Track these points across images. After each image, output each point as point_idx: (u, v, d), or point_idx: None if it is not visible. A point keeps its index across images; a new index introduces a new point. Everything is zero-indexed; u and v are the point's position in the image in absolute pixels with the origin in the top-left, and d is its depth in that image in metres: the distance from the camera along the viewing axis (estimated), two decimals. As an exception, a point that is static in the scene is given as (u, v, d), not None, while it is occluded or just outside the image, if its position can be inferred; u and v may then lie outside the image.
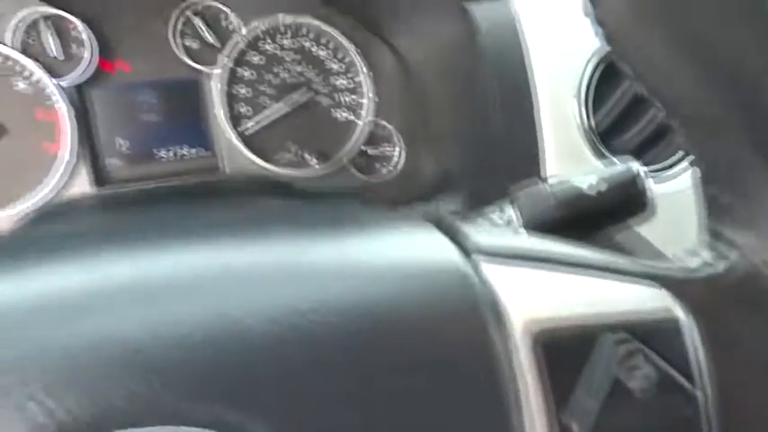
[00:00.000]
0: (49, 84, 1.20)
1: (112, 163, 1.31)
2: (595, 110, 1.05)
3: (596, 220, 0.79)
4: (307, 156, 1.30)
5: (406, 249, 0.51)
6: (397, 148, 1.42)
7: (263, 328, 0.40)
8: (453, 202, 1.19)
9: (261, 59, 1.33)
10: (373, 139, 1.40)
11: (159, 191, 1.29)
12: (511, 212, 0.81)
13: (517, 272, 0.48)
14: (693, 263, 0.50)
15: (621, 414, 0.44)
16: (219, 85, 1.29)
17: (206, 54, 1.29)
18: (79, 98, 1.24)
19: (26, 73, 1.20)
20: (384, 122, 1.41)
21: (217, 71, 1.29)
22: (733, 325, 0.47)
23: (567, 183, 0.82)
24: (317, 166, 1.29)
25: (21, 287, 0.43)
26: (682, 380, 0.44)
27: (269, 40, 1.33)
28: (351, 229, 0.54)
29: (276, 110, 1.33)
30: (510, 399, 0.42)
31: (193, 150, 1.35)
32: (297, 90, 1.33)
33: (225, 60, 1.28)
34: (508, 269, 0.48)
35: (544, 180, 0.85)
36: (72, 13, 1.20)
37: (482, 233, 0.53)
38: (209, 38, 1.27)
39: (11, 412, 0.33)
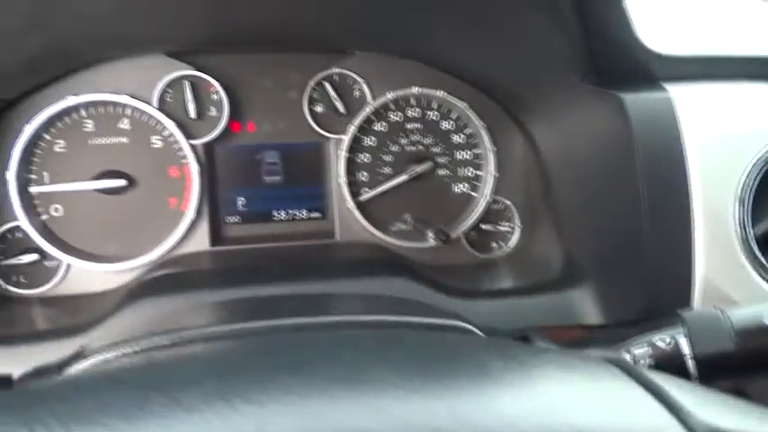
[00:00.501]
0: (183, 142, 1.23)
1: (231, 221, 1.32)
2: (756, 216, 0.97)
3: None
4: (427, 232, 1.26)
5: (622, 420, 0.45)
6: (514, 227, 1.37)
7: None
8: (579, 293, 1.12)
9: (384, 128, 1.32)
10: (489, 215, 1.36)
11: (272, 253, 1.28)
12: (681, 340, 0.74)
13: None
14: None
15: None
16: (342, 151, 1.28)
17: (332, 120, 1.29)
18: (207, 156, 1.27)
19: (164, 131, 1.23)
20: (503, 199, 1.36)
21: (341, 138, 1.29)
22: None
23: (748, 313, 0.75)
24: (433, 241, 1.25)
25: None
26: None
27: (396, 110, 1.32)
28: (545, 383, 0.49)
29: (396, 179, 1.31)
30: None
31: (308, 213, 1.35)
32: (420, 162, 1.31)
33: (351, 128, 1.28)
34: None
35: (717, 307, 0.78)
36: (212, 76, 1.23)
37: (700, 404, 0.47)
38: (339, 106, 1.27)
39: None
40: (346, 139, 1.28)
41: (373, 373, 0.46)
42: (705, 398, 0.50)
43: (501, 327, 0.94)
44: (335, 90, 1.27)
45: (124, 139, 1.23)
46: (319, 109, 1.30)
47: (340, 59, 1.28)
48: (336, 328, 0.66)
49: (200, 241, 1.27)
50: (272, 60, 1.28)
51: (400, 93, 1.28)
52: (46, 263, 1.22)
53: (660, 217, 0.95)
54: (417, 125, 1.33)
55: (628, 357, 0.73)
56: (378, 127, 1.32)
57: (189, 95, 1.22)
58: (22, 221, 1.17)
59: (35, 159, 1.20)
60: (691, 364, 0.72)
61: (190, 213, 1.24)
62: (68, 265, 1.22)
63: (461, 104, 1.29)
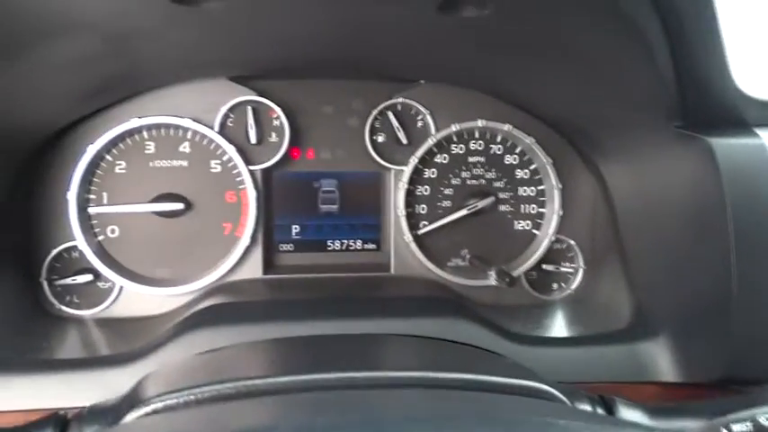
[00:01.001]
0: (242, 168, 1.21)
1: (284, 249, 1.29)
2: None
3: None
4: (489, 271, 1.21)
5: None
6: (577, 269, 1.31)
7: None
8: (651, 346, 1.05)
9: (446, 160, 1.28)
10: (551, 255, 1.30)
11: (325, 283, 1.25)
12: (788, 419, 0.67)
13: None
14: None
15: None
16: (403, 182, 1.25)
17: (393, 150, 1.26)
18: (264, 182, 1.24)
19: (223, 156, 1.22)
20: (567, 239, 1.30)
21: (402, 169, 1.25)
22: None
23: None
24: (495, 282, 1.20)
25: None
26: None
27: (458, 143, 1.28)
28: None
29: (456, 214, 1.26)
30: None
31: (363, 245, 1.31)
32: (482, 197, 1.26)
33: (412, 159, 1.24)
34: None
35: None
36: (274, 101, 1.21)
37: None
38: (401, 136, 1.24)
39: None
40: (407, 170, 1.25)
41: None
42: None
43: (567, 377, 0.89)
44: (398, 120, 1.24)
45: (184, 163, 1.22)
46: (380, 138, 1.27)
47: (404, 89, 1.25)
48: (414, 386, 0.62)
49: (253, 269, 1.24)
50: (335, 87, 1.26)
51: (465, 125, 1.24)
52: (100, 284, 1.21)
53: (752, 274, 0.88)
54: (480, 158, 1.29)
55: (728, 435, 0.66)
56: (439, 159, 1.28)
57: (251, 120, 1.20)
58: (80, 241, 1.17)
59: (95, 180, 1.19)
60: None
61: (244, 240, 1.22)
62: (121, 288, 1.20)
63: (528, 139, 1.25)
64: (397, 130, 1.24)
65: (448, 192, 1.29)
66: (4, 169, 1.07)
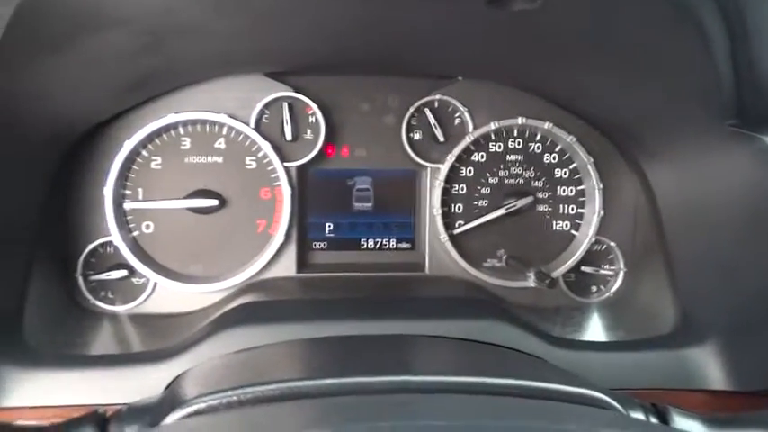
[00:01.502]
0: (278, 164, 1.19)
1: (318, 247, 1.28)
2: None
3: None
4: (528, 272, 1.18)
5: None
6: (618, 271, 1.27)
7: None
8: (698, 352, 1.01)
9: (483, 158, 1.26)
10: (590, 256, 1.26)
11: (359, 282, 1.23)
12: None
13: None
14: None
15: None
16: (439, 181, 1.22)
17: (429, 148, 1.24)
18: (298, 180, 1.23)
19: (258, 152, 1.21)
20: (607, 241, 1.26)
21: (438, 167, 1.23)
22: None
23: None
24: (533, 283, 1.17)
25: None
26: None
27: (497, 141, 1.25)
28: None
29: (493, 213, 1.24)
30: None
31: (397, 244, 1.29)
32: (520, 196, 1.23)
33: (449, 157, 1.22)
34: None
35: None
36: (310, 98, 1.20)
37: None
38: (438, 134, 1.21)
39: None
40: (444, 168, 1.22)
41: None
42: None
43: (610, 383, 0.85)
44: (435, 117, 1.22)
45: (219, 159, 1.21)
46: (417, 136, 1.24)
47: (442, 85, 1.23)
48: (468, 392, 0.60)
49: (287, 266, 1.23)
50: (372, 83, 1.24)
51: (504, 123, 1.21)
52: (134, 280, 1.21)
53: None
54: (518, 157, 1.26)
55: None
56: (476, 157, 1.26)
57: (287, 117, 1.19)
58: (115, 237, 1.16)
59: (131, 175, 1.19)
60: None
61: (278, 237, 1.21)
62: (155, 284, 1.20)
63: (569, 138, 1.21)
64: (434, 127, 1.21)
65: (485, 191, 1.26)
66: (43, 164, 1.07)
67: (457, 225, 1.26)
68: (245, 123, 1.19)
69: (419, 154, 1.24)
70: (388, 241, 1.29)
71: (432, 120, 1.22)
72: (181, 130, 1.20)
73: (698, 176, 1.04)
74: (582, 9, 0.80)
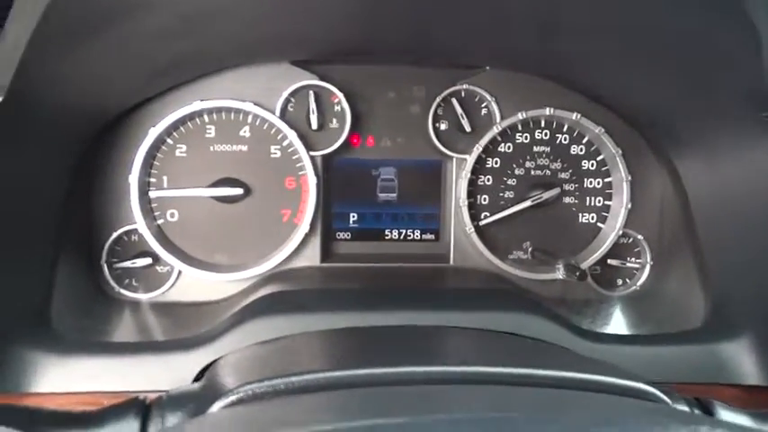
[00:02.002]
0: (303, 153, 1.18)
1: (341, 237, 1.27)
2: None
3: None
4: (556, 264, 1.17)
5: None
6: (645, 264, 1.26)
7: None
8: (732, 347, 1.00)
9: (510, 149, 1.24)
10: (617, 249, 1.25)
11: (383, 273, 1.22)
12: None
13: None
14: None
15: None
16: (465, 171, 1.21)
17: (455, 138, 1.23)
18: (324, 169, 1.22)
19: (284, 141, 1.20)
20: (634, 233, 1.25)
21: (464, 157, 1.22)
22: None
23: None
24: (561, 276, 1.16)
25: None
26: None
27: (523, 132, 1.24)
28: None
29: (519, 205, 1.23)
30: None
31: (422, 235, 1.28)
32: (547, 188, 1.22)
33: (476, 148, 1.20)
34: None
35: None
36: (336, 86, 1.19)
37: None
38: (465, 124, 1.20)
39: None
40: (470, 159, 1.21)
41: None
42: None
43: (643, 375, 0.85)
44: (462, 107, 1.21)
45: (243, 147, 1.20)
46: (443, 126, 1.23)
47: (468, 75, 1.21)
48: (510, 383, 0.59)
49: (311, 257, 1.22)
50: (398, 73, 1.23)
51: (532, 113, 1.20)
52: (158, 268, 1.20)
53: None
54: (545, 148, 1.24)
55: None
56: (503, 148, 1.24)
57: (313, 105, 1.18)
58: (140, 225, 1.16)
59: (156, 163, 1.18)
60: None
61: (303, 227, 1.20)
62: (180, 272, 1.20)
63: (597, 129, 1.20)
64: (460, 117, 1.20)
65: (511, 182, 1.25)
66: (69, 152, 1.06)
67: (482, 216, 1.25)
68: (270, 112, 1.18)
69: (445, 144, 1.23)
70: (413, 232, 1.28)
71: (458, 110, 1.20)
72: (206, 118, 1.19)
73: (731, 168, 1.02)
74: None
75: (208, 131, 1.19)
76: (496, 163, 1.25)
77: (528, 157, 1.25)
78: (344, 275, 1.22)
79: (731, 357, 0.99)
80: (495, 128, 1.21)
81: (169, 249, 1.18)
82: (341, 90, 1.19)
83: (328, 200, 1.25)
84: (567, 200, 1.26)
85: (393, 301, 1.02)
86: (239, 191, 1.19)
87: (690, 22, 0.81)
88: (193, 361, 0.92)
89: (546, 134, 1.24)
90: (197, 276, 1.19)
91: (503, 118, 1.21)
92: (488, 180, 1.25)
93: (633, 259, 1.26)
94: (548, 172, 1.25)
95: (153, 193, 1.18)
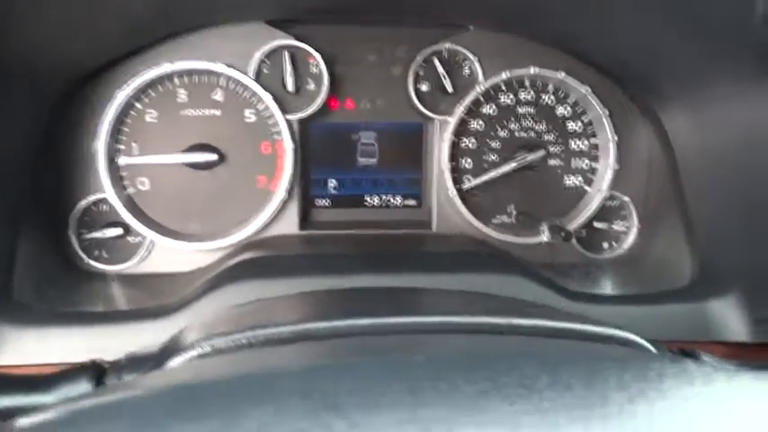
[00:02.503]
0: (279, 117, 1.14)
1: (320, 204, 1.23)
2: None
3: None
4: (541, 227, 1.14)
5: None
6: (631, 227, 1.23)
7: None
8: (719, 304, 0.97)
9: (494, 111, 1.20)
10: (603, 212, 1.22)
11: (363, 240, 1.18)
12: None
13: None
14: None
15: None
16: (448, 134, 1.17)
17: (437, 100, 1.18)
18: (300, 134, 1.18)
19: (258, 104, 1.15)
20: (620, 195, 1.22)
21: (447, 119, 1.18)
22: None
23: None
24: (546, 238, 1.13)
25: None
26: None
27: (508, 92, 1.20)
28: None
29: (503, 168, 1.19)
30: None
31: (403, 201, 1.25)
32: (531, 150, 1.18)
33: (458, 109, 1.16)
34: None
35: None
36: (313, 47, 1.14)
37: None
38: (447, 84, 1.16)
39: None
40: (453, 121, 1.17)
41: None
42: None
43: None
44: (444, 67, 1.16)
45: (217, 112, 1.15)
46: (424, 87, 1.19)
47: (451, 35, 1.17)
48: (482, 332, 0.56)
49: (289, 224, 1.18)
50: (378, 33, 1.18)
51: (516, 73, 1.16)
52: (130, 238, 1.16)
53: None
54: (530, 109, 1.21)
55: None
56: (486, 110, 1.20)
57: (288, 67, 1.13)
58: (109, 194, 1.11)
59: (125, 129, 1.13)
60: None
61: (280, 193, 1.16)
62: (152, 242, 1.15)
63: (583, 88, 1.16)
64: (442, 77, 1.16)
65: (495, 145, 1.21)
66: (33, 115, 1.01)
67: (465, 180, 1.21)
68: (244, 74, 1.12)
69: (427, 106, 1.18)
70: (394, 198, 1.24)
71: (440, 69, 1.16)
72: (176, 81, 1.14)
73: (718, 122, 0.99)
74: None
75: (179, 95, 1.14)
76: (480, 125, 1.21)
77: (512, 119, 1.21)
78: (324, 243, 1.18)
79: (718, 315, 0.97)
80: (478, 88, 1.16)
81: (141, 219, 1.13)
82: (318, 51, 1.14)
83: (306, 165, 1.21)
84: (552, 162, 1.22)
85: (373, 265, 0.99)
86: (213, 157, 1.14)
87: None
88: (163, 329, 0.88)
89: (531, 95, 1.20)
90: (170, 246, 1.14)
91: (486, 78, 1.17)
92: (471, 143, 1.21)
93: (620, 222, 1.23)
94: (532, 134, 1.21)
95: (122, 160, 1.13)
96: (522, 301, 0.83)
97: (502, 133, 1.21)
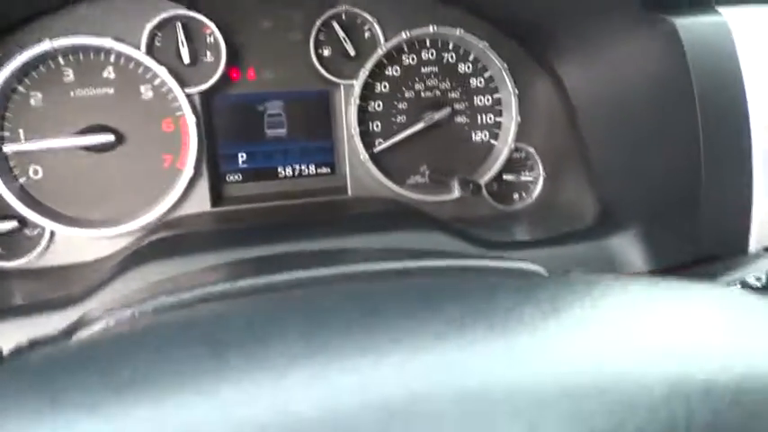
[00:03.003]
0: (178, 91, 1.09)
1: (232, 180, 1.20)
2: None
3: None
4: (452, 182, 1.16)
5: None
6: (538, 177, 1.28)
7: None
8: (619, 240, 1.04)
9: (397, 72, 1.21)
10: (511, 164, 1.27)
11: (279, 212, 1.17)
12: (776, 276, 0.66)
13: None
14: None
15: None
16: (354, 98, 1.17)
17: (340, 65, 1.18)
18: (203, 108, 1.14)
19: (154, 80, 1.10)
20: (525, 147, 1.27)
21: (352, 83, 1.17)
22: None
23: None
24: (458, 193, 1.16)
25: None
26: None
27: (409, 53, 1.21)
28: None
29: (411, 128, 1.20)
30: None
31: (316, 169, 1.24)
32: (438, 109, 1.20)
33: (362, 72, 1.16)
34: None
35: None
36: (206, 16, 1.09)
37: None
38: (349, 48, 1.15)
39: None
40: (357, 84, 1.17)
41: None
42: None
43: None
44: (344, 31, 1.15)
45: (109, 90, 1.09)
46: (326, 53, 1.18)
47: (347, -4, 1.16)
48: (390, 277, 0.57)
49: (200, 202, 1.15)
50: (271, -2, 1.15)
51: (415, 33, 1.17)
52: (27, 231, 1.08)
53: (719, 155, 0.87)
54: (433, 69, 1.22)
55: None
56: (390, 71, 1.21)
57: (182, 38, 1.08)
58: (-2, 185, 1.04)
59: (8, 114, 1.05)
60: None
61: (188, 171, 1.12)
62: (52, 233, 1.09)
63: (481, 44, 1.19)
64: (344, 41, 1.15)
65: (402, 106, 1.22)
66: None
67: (376, 144, 1.21)
68: (134, 48, 1.07)
69: (330, 71, 1.17)
70: (307, 167, 1.23)
71: (341, 33, 1.15)
72: (61, 60, 1.07)
73: (608, 68, 1.04)
74: None
75: (65, 75, 1.07)
76: (385, 87, 1.21)
77: (416, 79, 1.22)
78: (239, 218, 1.15)
79: (619, 250, 1.03)
80: (379, 50, 1.16)
81: (37, 209, 1.06)
82: (211, 20, 1.10)
83: (213, 140, 1.17)
84: (458, 119, 1.25)
85: (290, 234, 0.97)
86: (110, 137, 1.08)
87: None
88: (68, 319, 0.84)
89: (432, 54, 1.22)
90: (73, 235, 1.08)
91: (387, 40, 1.17)
92: (378, 106, 1.21)
93: (527, 172, 1.28)
94: (437, 92, 1.23)
95: (8, 148, 1.05)
96: (425, 250, 0.85)
97: (408, 94, 1.22)
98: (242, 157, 1.20)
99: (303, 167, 1.23)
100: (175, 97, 1.11)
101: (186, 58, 1.09)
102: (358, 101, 1.18)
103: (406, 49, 1.20)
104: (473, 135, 1.26)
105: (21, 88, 1.05)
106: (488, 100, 1.25)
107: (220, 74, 1.12)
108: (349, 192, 1.22)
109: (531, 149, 1.27)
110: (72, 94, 1.08)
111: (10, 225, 1.06)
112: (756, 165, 0.88)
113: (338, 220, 1.11)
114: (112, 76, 1.09)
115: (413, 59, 1.21)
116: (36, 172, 1.08)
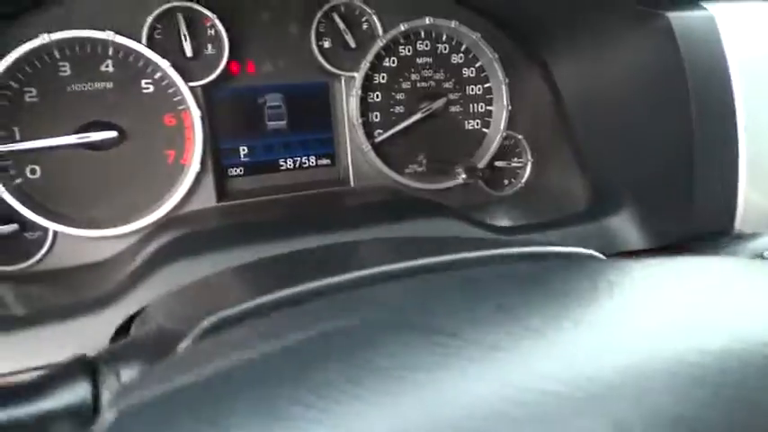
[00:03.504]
0: (181, 85, 1.07)
1: (234, 174, 1.19)
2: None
3: None
4: (456, 169, 1.21)
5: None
6: (526, 162, 1.35)
7: None
8: (617, 220, 1.12)
9: (395, 63, 1.24)
10: (501, 151, 1.33)
11: (283, 204, 1.17)
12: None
13: None
14: None
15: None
16: (356, 89, 1.19)
17: (340, 57, 1.19)
18: (205, 101, 1.12)
19: (155, 73, 1.07)
20: (514, 134, 1.33)
21: (353, 75, 1.19)
22: None
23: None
24: (462, 180, 1.21)
25: None
26: None
27: (405, 44, 1.23)
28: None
29: (410, 118, 1.23)
30: None
31: (317, 160, 1.25)
32: (435, 98, 1.24)
33: (364, 64, 1.18)
34: None
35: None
36: (208, 8, 1.08)
37: None
38: (350, 40, 1.16)
39: None
40: (359, 75, 1.19)
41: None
42: None
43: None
44: (345, 23, 1.17)
45: (109, 85, 1.06)
46: (326, 44, 1.18)
47: (346, -12, 1.17)
48: (450, 269, 0.60)
49: (206, 197, 1.14)
50: (269, -10, 1.14)
51: (413, 24, 1.20)
52: (28, 234, 1.04)
53: (711, 141, 0.96)
54: (428, 59, 1.26)
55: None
56: (388, 63, 1.23)
57: (184, 30, 1.06)
58: (-6, 187, 0.99)
59: (2, 112, 1.00)
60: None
61: (194, 166, 1.10)
62: (55, 234, 1.05)
63: (474, 35, 1.23)
64: (344, 33, 1.16)
65: (400, 96, 1.25)
66: None
67: (377, 134, 1.24)
68: (135, 40, 1.04)
69: (331, 63, 1.18)
70: (308, 159, 1.24)
71: (341, 25, 1.16)
72: (57, 54, 1.02)
73: (600, 62, 1.11)
74: None
75: (62, 70, 1.03)
76: (383, 78, 1.24)
77: (412, 70, 1.25)
78: (244, 212, 1.15)
79: (618, 230, 1.11)
80: (378, 41, 1.19)
81: (37, 211, 1.02)
82: (213, 11, 1.09)
83: (215, 135, 1.16)
84: (453, 108, 1.29)
85: (302, 228, 0.98)
86: (112, 134, 1.05)
87: None
88: (106, 322, 0.82)
89: (427, 45, 1.25)
90: (78, 236, 1.05)
91: (385, 31, 1.19)
92: (377, 96, 1.24)
93: (516, 159, 1.35)
94: (433, 83, 1.27)
95: (3, 148, 1.00)
96: (458, 239, 0.89)
97: (405, 85, 1.25)
98: (243, 150, 1.19)
99: (305, 159, 1.24)
100: (176, 91, 1.08)
101: (189, 51, 1.07)
102: (359, 92, 1.19)
103: (402, 41, 1.23)
104: (466, 124, 1.31)
105: (14, 84, 1.00)
106: (480, 89, 1.30)
107: (222, 67, 1.11)
108: (351, 182, 1.24)
109: (520, 136, 1.34)
110: (69, 89, 1.03)
111: (10, 228, 1.01)
112: (742, 149, 0.98)
113: (345, 211, 1.13)
114: (111, 69, 1.06)
115: (409, 51, 1.24)
116: (34, 172, 1.04)
